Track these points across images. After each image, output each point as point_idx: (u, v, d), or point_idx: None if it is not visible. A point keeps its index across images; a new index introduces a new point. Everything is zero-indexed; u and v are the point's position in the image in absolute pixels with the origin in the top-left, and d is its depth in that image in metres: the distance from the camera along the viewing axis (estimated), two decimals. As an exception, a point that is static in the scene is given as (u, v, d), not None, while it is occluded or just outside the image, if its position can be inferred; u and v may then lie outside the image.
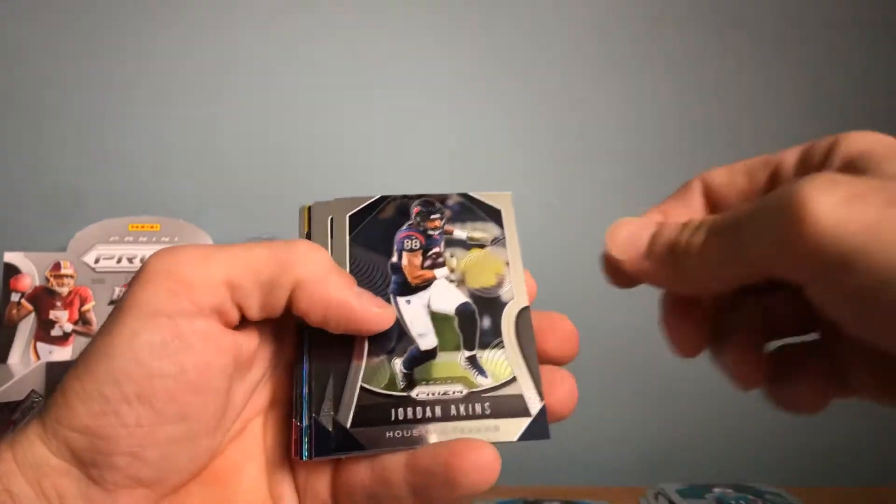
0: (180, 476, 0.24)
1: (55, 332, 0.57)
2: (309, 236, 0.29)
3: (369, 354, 0.26)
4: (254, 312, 0.24)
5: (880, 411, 0.55)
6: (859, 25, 0.79)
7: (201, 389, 0.23)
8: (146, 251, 0.61)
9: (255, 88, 0.76)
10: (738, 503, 0.64)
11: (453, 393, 0.26)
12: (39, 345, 0.57)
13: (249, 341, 0.25)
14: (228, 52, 0.75)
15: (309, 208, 0.29)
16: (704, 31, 0.79)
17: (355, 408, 0.25)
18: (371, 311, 0.25)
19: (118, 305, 0.23)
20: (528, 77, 0.78)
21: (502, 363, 0.26)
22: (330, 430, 0.25)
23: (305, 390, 0.26)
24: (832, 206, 0.18)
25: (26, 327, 0.57)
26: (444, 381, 0.26)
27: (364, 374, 0.26)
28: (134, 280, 0.23)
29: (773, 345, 0.26)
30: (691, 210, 0.26)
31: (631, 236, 0.25)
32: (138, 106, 0.75)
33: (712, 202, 0.26)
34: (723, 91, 0.79)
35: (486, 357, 0.26)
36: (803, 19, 0.79)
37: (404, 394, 0.25)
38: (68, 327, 0.57)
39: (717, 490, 0.67)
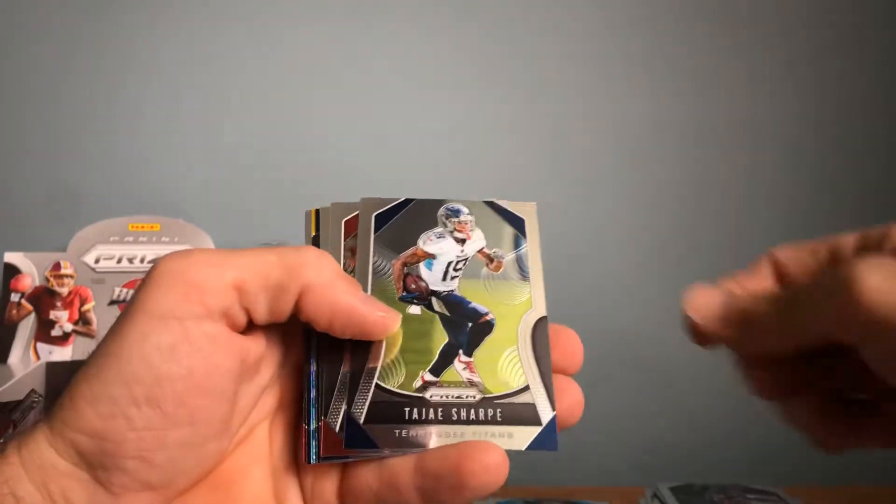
0: (187, 479, 0.24)
1: (55, 332, 0.57)
2: (316, 239, 0.29)
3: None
4: (261, 317, 0.24)
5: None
6: (862, 26, 0.79)
7: (209, 392, 0.23)
8: (146, 251, 0.61)
9: (255, 89, 0.76)
10: (732, 502, 0.64)
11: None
12: (39, 345, 0.57)
13: (256, 345, 0.25)
14: (229, 53, 0.75)
15: (316, 211, 0.29)
16: (712, 32, 0.79)
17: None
18: (376, 316, 0.25)
19: (127, 307, 0.23)
20: (532, 78, 0.78)
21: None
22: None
23: (313, 394, 0.26)
24: (881, 279, 0.22)
25: (26, 327, 0.57)
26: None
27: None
28: (143, 282, 0.23)
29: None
30: (763, 281, 0.30)
31: (708, 302, 0.28)
32: (138, 106, 0.75)
33: (782, 277, 0.30)
34: (731, 93, 0.79)
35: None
36: (806, 18, 0.79)
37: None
38: (68, 327, 0.57)
39: (714, 490, 0.67)
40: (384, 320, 0.25)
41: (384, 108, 0.77)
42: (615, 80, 0.78)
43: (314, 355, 0.26)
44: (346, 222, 0.29)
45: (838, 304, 0.23)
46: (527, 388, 0.26)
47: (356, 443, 0.25)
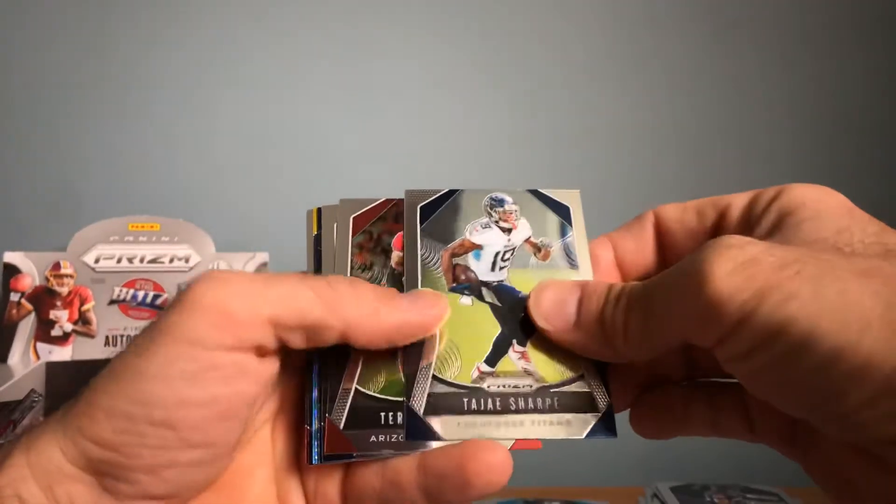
0: (193, 492, 0.24)
1: (55, 332, 0.57)
2: (318, 238, 0.29)
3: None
4: (297, 345, 0.24)
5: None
6: (858, 25, 0.79)
7: (229, 418, 0.23)
8: (146, 251, 0.61)
9: (255, 88, 0.76)
10: (731, 502, 0.64)
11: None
12: (39, 345, 0.56)
13: (276, 365, 0.25)
14: (228, 51, 0.75)
15: (318, 210, 0.29)
16: (706, 31, 0.79)
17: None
18: (426, 316, 0.25)
19: (158, 326, 0.22)
20: (531, 76, 0.78)
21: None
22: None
23: (315, 394, 0.26)
24: (727, 273, 0.19)
25: (26, 327, 0.57)
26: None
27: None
28: (178, 305, 0.22)
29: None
30: (641, 243, 0.28)
31: (557, 303, 0.26)
32: (138, 106, 0.75)
33: (662, 235, 0.28)
34: (724, 91, 0.79)
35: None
36: (803, 19, 0.79)
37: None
38: (68, 327, 0.57)
39: (714, 490, 0.67)
40: (434, 317, 0.25)
41: (384, 108, 0.77)
42: (615, 79, 0.78)
43: (316, 356, 0.26)
44: (354, 219, 0.29)
45: (688, 304, 0.20)
46: (582, 376, 0.26)
47: (418, 435, 0.25)
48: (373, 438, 0.25)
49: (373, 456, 0.25)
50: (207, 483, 0.24)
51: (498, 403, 0.25)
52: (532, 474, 0.67)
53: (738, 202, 0.26)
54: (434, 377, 0.25)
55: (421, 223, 0.28)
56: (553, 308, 0.25)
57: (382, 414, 0.25)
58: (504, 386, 0.26)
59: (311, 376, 0.26)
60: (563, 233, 0.29)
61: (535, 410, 0.25)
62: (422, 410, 0.25)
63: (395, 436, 0.25)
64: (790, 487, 0.68)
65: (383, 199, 0.29)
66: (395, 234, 0.29)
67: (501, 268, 0.28)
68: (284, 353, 0.26)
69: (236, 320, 0.22)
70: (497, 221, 0.29)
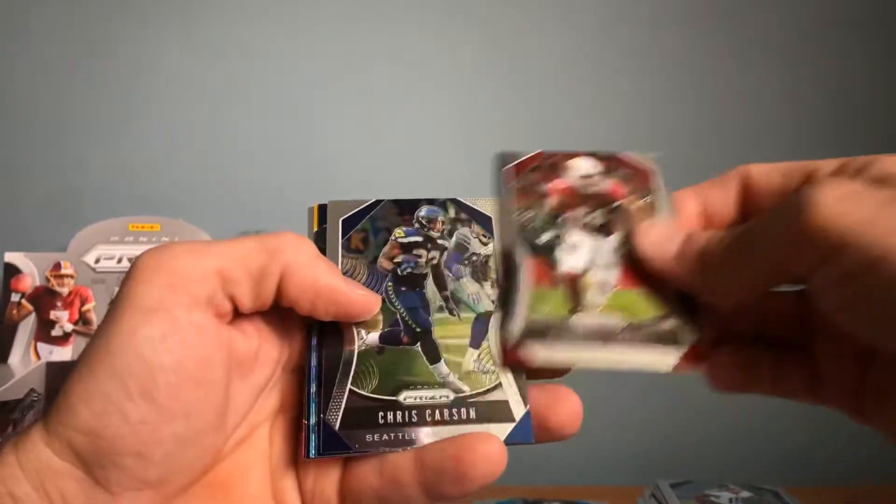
0: (185, 477, 0.24)
1: (55, 332, 0.57)
2: (322, 234, 0.29)
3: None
4: (246, 302, 0.24)
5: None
6: (860, 25, 0.79)
7: (201, 384, 0.23)
8: (146, 251, 0.61)
9: (254, 88, 0.76)
10: (731, 500, 0.64)
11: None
12: (40, 345, 0.57)
13: (246, 339, 0.25)
14: (228, 52, 0.75)
15: (320, 207, 0.29)
16: (705, 31, 0.79)
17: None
18: (357, 294, 0.25)
19: (114, 304, 0.23)
20: (530, 77, 0.78)
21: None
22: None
23: (313, 388, 0.26)
24: (833, 200, 0.20)
25: (26, 327, 0.57)
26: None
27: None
28: (127, 278, 0.23)
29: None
30: (727, 198, 0.28)
31: (662, 237, 0.27)
32: (138, 106, 0.75)
33: (748, 193, 0.28)
34: (722, 91, 0.79)
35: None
36: (804, 19, 0.79)
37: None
38: (68, 327, 0.57)
39: (714, 487, 0.67)
40: (364, 298, 0.25)
41: (384, 107, 0.77)
42: (612, 75, 0.78)
43: (314, 349, 0.26)
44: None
45: (790, 227, 0.21)
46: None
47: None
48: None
49: (369, 453, 0.25)
50: (197, 465, 0.24)
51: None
52: (532, 474, 0.67)
53: (825, 168, 0.26)
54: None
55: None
56: (659, 239, 0.27)
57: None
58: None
59: (308, 371, 0.26)
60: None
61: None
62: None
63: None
64: (790, 487, 0.68)
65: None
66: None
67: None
68: (274, 342, 0.26)
69: (185, 276, 0.23)
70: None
